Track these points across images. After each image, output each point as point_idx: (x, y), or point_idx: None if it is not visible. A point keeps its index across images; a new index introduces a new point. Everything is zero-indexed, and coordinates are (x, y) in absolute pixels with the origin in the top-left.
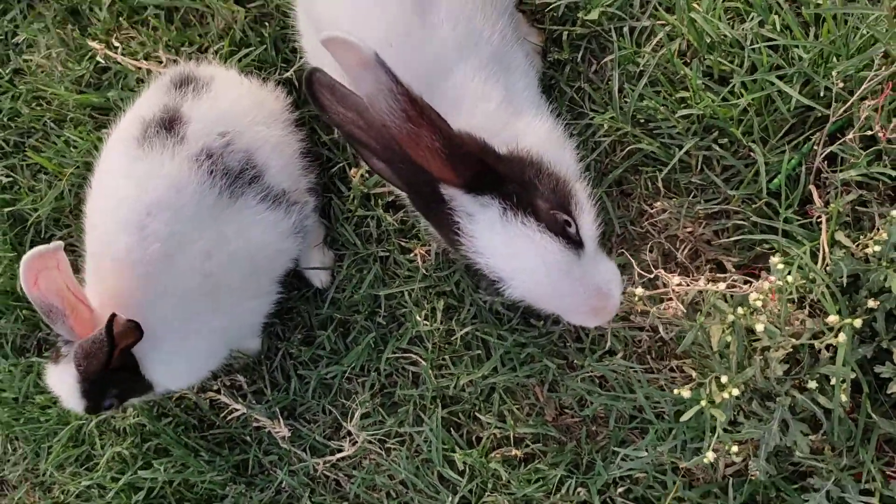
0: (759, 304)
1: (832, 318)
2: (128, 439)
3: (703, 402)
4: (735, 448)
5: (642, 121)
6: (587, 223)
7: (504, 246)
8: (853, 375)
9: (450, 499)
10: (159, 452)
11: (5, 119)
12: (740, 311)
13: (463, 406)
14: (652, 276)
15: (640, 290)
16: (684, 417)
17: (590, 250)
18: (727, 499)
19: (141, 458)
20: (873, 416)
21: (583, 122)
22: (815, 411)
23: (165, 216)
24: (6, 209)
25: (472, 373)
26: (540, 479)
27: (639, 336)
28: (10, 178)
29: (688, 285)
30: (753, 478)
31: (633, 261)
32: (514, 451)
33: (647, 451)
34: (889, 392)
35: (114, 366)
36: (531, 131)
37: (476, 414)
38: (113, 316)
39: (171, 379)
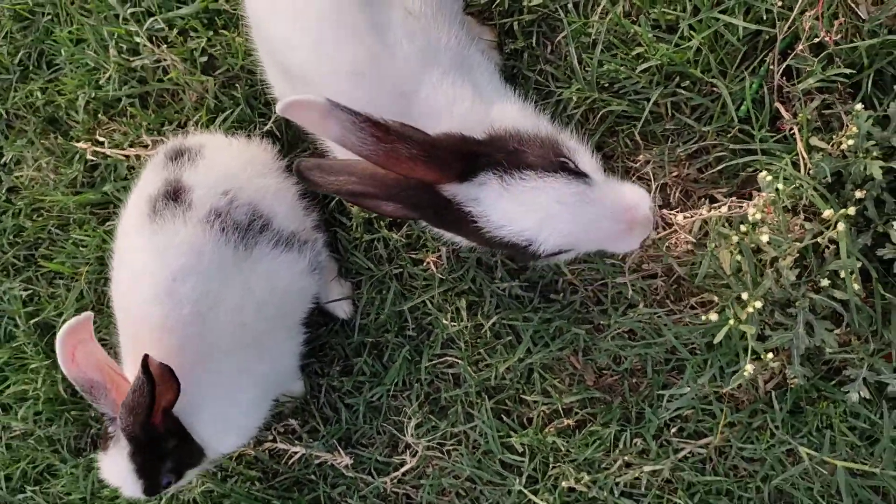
0: (758, 216)
1: (827, 213)
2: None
3: (731, 321)
4: (770, 355)
5: (607, 85)
6: (585, 157)
7: (517, 206)
8: (859, 264)
9: (517, 480)
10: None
11: (11, 237)
12: (743, 228)
13: (507, 393)
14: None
15: (653, 233)
16: (717, 339)
17: (598, 178)
18: (774, 412)
19: None
20: (888, 296)
21: (552, 100)
22: (834, 307)
23: (192, 280)
24: (31, 321)
25: (508, 359)
26: (597, 440)
27: (654, 284)
28: (30, 291)
29: (691, 217)
30: (793, 385)
31: None
32: (566, 422)
33: (688, 386)
34: None
35: (161, 431)
36: (504, 115)
37: (521, 397)
38: (146, 357)
39: (223, 437)
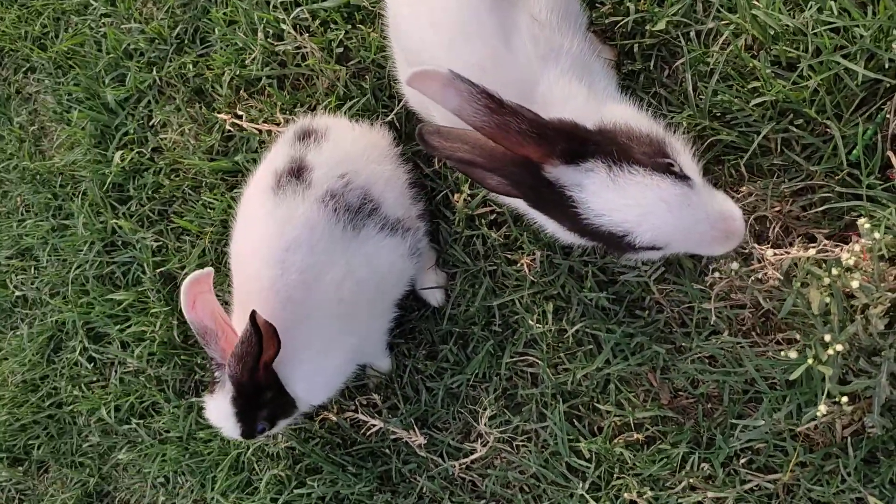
0: (850, 262)
1: None
2: (281, 462)
3: (810, 360)
4: (845, 399)
5: (719, 114)
6: (688, 161)
7: (621, 198)
8: None
9: (580, 485)
10: (310, 472)
11: (150, 192)
12: (834, 272)
13: (582, 399)
14: (746, 250)
15: (735, 265)
16: (793, 375)
17: (699, 183)
18: (848, 458)
19: (295, 479)
20: None
21: (663, 123)
22: None
23: (302, 251)
24: (157, 270)
25: (586, 366)
26: (664, 458)
27: (741, 314)
28: (160, 243)
29: (781, 255)
30: (871, 434)
31: None
32: (636, 436)
33: (763, 420)
34: None
35: (262, 383)
36: (617, 113)
37: (595, 405)
38: (253, 312)
39: (311, 393)
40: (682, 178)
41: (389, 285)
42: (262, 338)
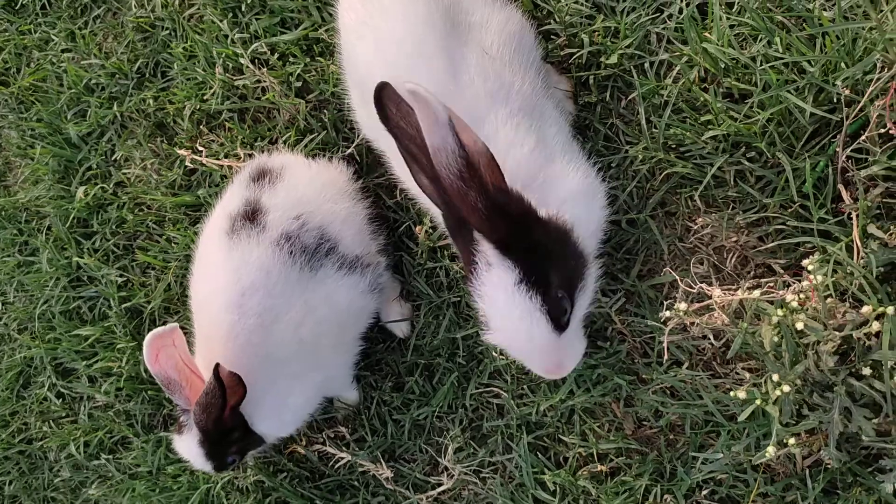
0: (794, 304)
1: (866, 309)
2: (251, 496)
3: (758, 401)
4: (793, 441)
5: (673, 146)
6: (582, 308)
7: (505, 307)
8: None
9: None
10: (282, 502)
11: (114, 226)
12: (780, 312)
13: (547, 430)
14: (695, 290)
15: (683, 306)
16: (741, 417)
17: (570, 331)
18: (807, 489)
19: None
20: None
21: (619, 155)
22: (874, 396)
23: (259, 295)
24: (123, 305)
25: (550, 398)
26: (627, 490)
27: (702, 345)
28: (125, 278)
29: (730, 295)
30: (829, 466)
31: (678, 278)
32: (599, 467)
33: (722, 453)
34: None
35: (228, 426)
36: (565, 180)
37: (560, 436)
38: (217, 365)
39: (277, 429)
40: (561, 327)
41: (350, 322)
42: (224, 391)
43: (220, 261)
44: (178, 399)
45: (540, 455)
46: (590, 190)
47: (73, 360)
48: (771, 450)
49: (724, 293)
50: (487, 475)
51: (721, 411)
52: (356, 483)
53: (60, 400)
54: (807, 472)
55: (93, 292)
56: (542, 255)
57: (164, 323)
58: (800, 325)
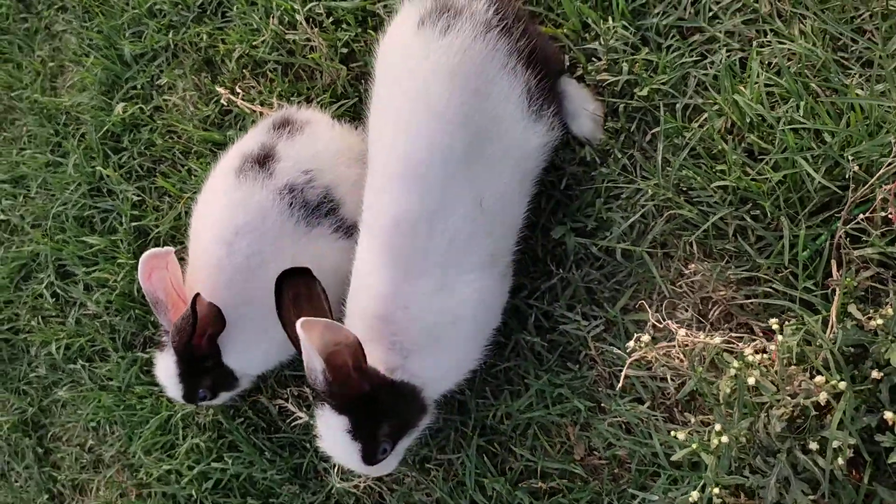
0: (750, 358)
1: (819, 379)
2: (206, 434)
3: (695, 445)
4: (716, 490)
5: (684, 189)
6: (402, 448)
7: (331, 441)
8: (852, 441)
9: None
10: (230, 448)
11: (142, 147)
12: (736, 364)
13: (499, 437)
14: (661, 325)
15: (646, 338)
16: (674, 457)
17: (388, 458)
18: None
19: (215, 452)
20: (874, 484)
21: (632, 186)
22: (815, 474)
23: (250, 237)
24: (133, 223)
25: (510, 406)
26: None
27: (666, 388)
28: (140, 198)
29: (692, 337)
30: None
31: (650, 312)
32: (539, 484)
33: (658, 496)
34: (890, 462)
35: (202, 352)
36: (440, 355)
37: (511, 446)
38: (196, 295)
39: (245, 366)
40: (374, 463)
41: (331, 285)
42: (196, 319)
43: (222, 196)
44: (163, 320)
45: (487, 459)
46: (449, 371)
47: (75, 264)
48: (694, 494)
49: (688, 334)
50: (432, 467)
51: (667, 455)
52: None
53: (54, 300)
54: None
55: (108, 205)
56: (380, 411)
57: None
58: (751, 381)
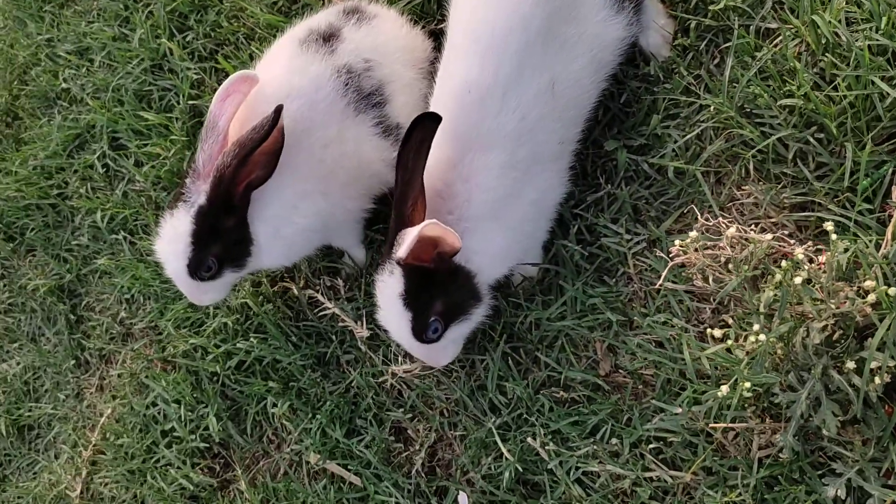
0: (801, 256)
1: (869, 283)
2: (234, 315)
3: (730, 341)
4: (748, 385)
5: (748, 110)
6: (456, 336)
7: (385, 304)
8: (892, 363)
9: (493, 420)
10: (257, 331)
11: (208, 28)
12: (785, 264)
13: (526, 345)
14: (711, 223)
15: (693, 234)
16: (707, 352)
17: (437, 345)
18: (752, 474)
19: (241, 334)
20: None
21: (692, 107)
22: (849, 394)
23: (301, 102)
24: (190, 102)
25: (540, 313)
26: (577, 419)
27: (703, 310)
28: (200, 78)
29: (741, 235)
30: (782, 460)
31: (696, 210)
32: (561, 393)
33: (681, 408)
34: None
35: (234, 202)
36: (494, 239)
37: (537, 354)
38: (280, 107)
39: (270, 242)
40: (424, 341)
41: (366, 176)
42: (272, 131)
43: (284, 59)
44: (205, 150)
45: (511, 366)
46: (505, 254)
47: (129, 138)
48: (724, 388)
49: (738, 229)
50: (454, 367)
51: (696, 372)
52: (333, 336)
53: (104, 170)
54: (756, 458)
55: (168, 83)
56: (434, 286)
57: None
58: (798, 280)
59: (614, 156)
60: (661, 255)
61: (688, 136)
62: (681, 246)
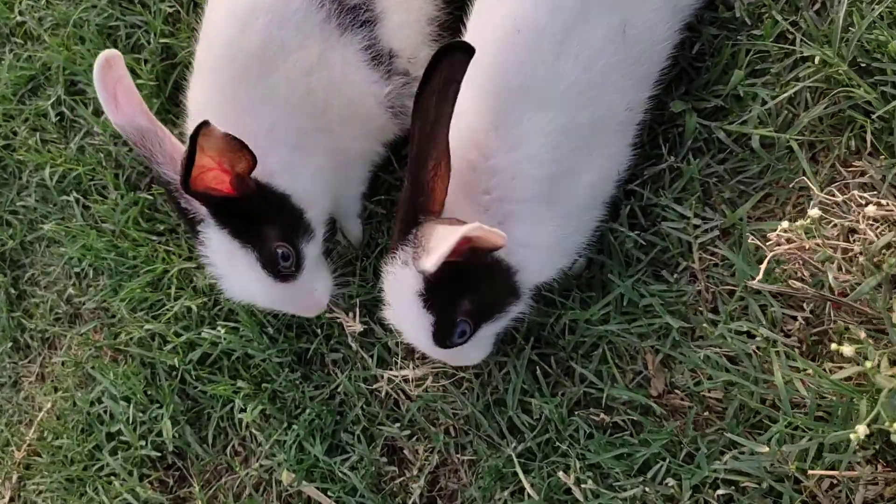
0: None
1: None
2: (201, 298)
3: (868, 364)
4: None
5: (863, 64)
6: (486, 336)
7: (397, 301)
8: None
9: (513, 446)
10: (228, 319)
11: None
12: None
13: (557, 353)
14: (840, 199)
15: (814, 212)
16: (837, 376)
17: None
18: None
19: (208, 321)
20: None
21: (789, 60)
22: None
23: (266, 19)
24: (162, 41)
25: (578, 314)
26: (624, 451)
27: (792, 325)
28: (174, 9)
29: (888, 210)
30: None
31: (811, 182)
32: (602, 416)
33: (768, 447)
34: None
35: (244, 192)
36: (538, 228)
37: (571, 365)
38: (203, 124)
39: (305, 188)
40: (445, 344)
41: (360, 117)
42: (194, 148)
43: None
44: (160, 159)
45: (539, 378)
46: (556, 248)
47: (89, 81)
48: (861, 429)
49: (887, 205)
50: (466, 376)
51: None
52: (317, 330)
53: (58, 119)
54: None
55: (138, 19)
56: (463, 280)
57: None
58: None
59: (681, 120)
60: (753, 242)
61: (780, 98)
62: (786, 231)
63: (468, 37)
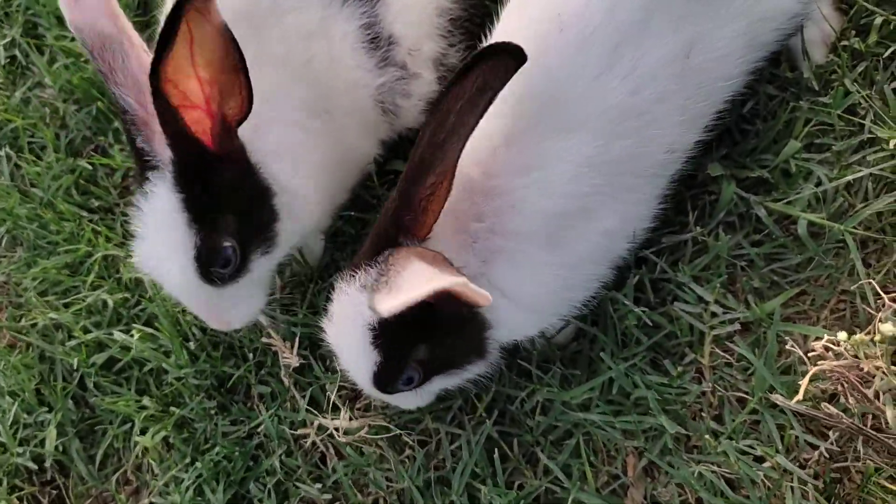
0: None
1: None
2: (121, 293)
3: None
4: None
5: None
6: (434, 388)
7: (342, 335)
8: None
9: None
10: (147, 322)
11: None
12: None
13: (522, 435)
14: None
15: (888, 328)
16: None
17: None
18: None
19: (125, 321)
20: None
21: (857, 138)
22: None
23: None
24: None
25: (555, 393)
26: None
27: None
28: None
29: None
30: None
31: (872, 284)
32: None
33: None
34: None
35: (219, 152)
36: (532, 282)
37: (535, 452)
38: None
39: (291, 174)
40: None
41: (364, 107)
42: (172, 32)
43: None
44: (122, 78)
45: (495, 459)
46: (543, 304)
47: (49, 25)
48: None
49: None
50: (409, 442)
51: None
52: (248, 354)
53: (8, 62)
54: None
55: None
56: (423, 323)
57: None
58: None
59: (715, 187)
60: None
61: (839, 181)
62: (832, 343)
63: (499, 28)
